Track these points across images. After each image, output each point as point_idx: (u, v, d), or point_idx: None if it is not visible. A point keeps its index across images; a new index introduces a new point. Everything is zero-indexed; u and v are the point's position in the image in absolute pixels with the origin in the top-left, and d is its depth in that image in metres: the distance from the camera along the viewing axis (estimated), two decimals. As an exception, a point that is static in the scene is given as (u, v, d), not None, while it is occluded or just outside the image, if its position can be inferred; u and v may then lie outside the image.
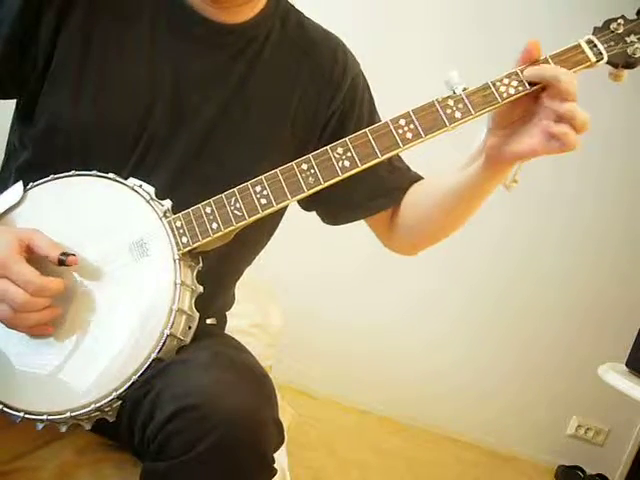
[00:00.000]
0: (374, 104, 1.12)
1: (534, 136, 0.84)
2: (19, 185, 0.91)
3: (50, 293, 0.82)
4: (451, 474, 2.59)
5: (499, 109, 0.87)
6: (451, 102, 0.86)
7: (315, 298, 2.66)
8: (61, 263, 0.83)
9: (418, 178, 1.12)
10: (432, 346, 2.76)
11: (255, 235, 1.04)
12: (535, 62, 0.86)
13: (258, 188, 0.87)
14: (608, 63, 0.87)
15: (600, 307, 2.75)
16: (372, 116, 1.10)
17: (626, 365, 2.08)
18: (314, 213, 1.15)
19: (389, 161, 1.05)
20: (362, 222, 1.13)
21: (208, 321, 1.08)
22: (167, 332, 0.83)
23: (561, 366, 2.78)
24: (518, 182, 0.93)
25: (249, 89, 0.99)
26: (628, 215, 2.71)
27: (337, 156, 0.87)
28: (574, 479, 2.75)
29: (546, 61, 0.86)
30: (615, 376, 2.00)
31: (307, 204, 1.12)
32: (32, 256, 0.84)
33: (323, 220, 1.15)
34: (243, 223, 0.88)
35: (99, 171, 0.91)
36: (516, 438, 2.84)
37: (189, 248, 0.87)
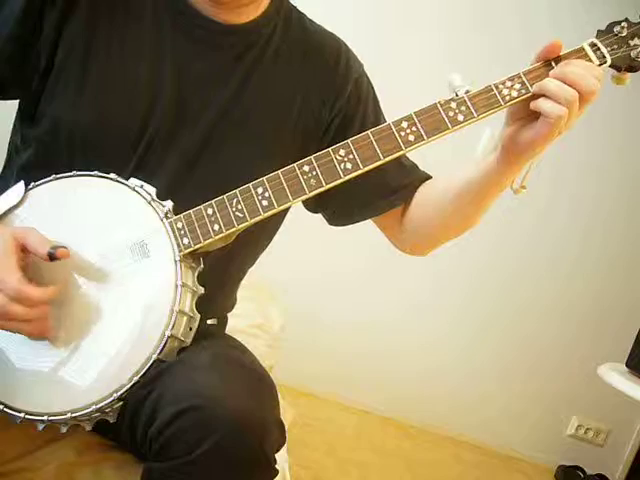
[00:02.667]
0: (379, 105, 1.11)
1: (538, 121, 0.85)
2: (20, 185, 0.91)
3: (30, 303, 0.80)
4: (451, 474, 2.59)
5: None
6: (454, 105, 0.86)
7: (315, 298, 2.66)
8: (51, 258, 0.81)
9: (427, 177, 1.11)
10: (432, 346, 2.77)
11: (257, 236, 1.04)
12: (543, 62, 0.86)
13: (260, 189, 0.87)
14: (611, 66, 0.87)
15: (600, 307, 2.75)
16: (377, 117, 1.09)
17: (626, 365, 2.08)
18: (317, 213, 1.15)
19: (396, 159, 1.05)
20: (363, 223, 1.12)
21: (209, 321, 1.07)
22: (168, 333, 0.83)
23: (561, 366, 2.78)
24: (526, 188, 0.93)
25: (251, 90, 0.99)
26: (628, 215, 2.72)
27: (339, 158, 0.87)
28: (574, 479, 2.75)
29: (549, 65, 0.86)
30: (615, 376, 2.01)
31: (313, 205, 1.11)
32: (29, 256, 0.83)
33: (329, 222, 1.15)
34: (245, 224, 0.87)
35: (100, 171, 0.90)
36: (516, 438, 2.85)
37: (190, 249, 0.87)
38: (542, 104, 0.83)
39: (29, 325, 0.82)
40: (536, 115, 0.85)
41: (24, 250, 0.83)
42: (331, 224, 1.15)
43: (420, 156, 1.08)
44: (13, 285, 0.78)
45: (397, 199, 1.09)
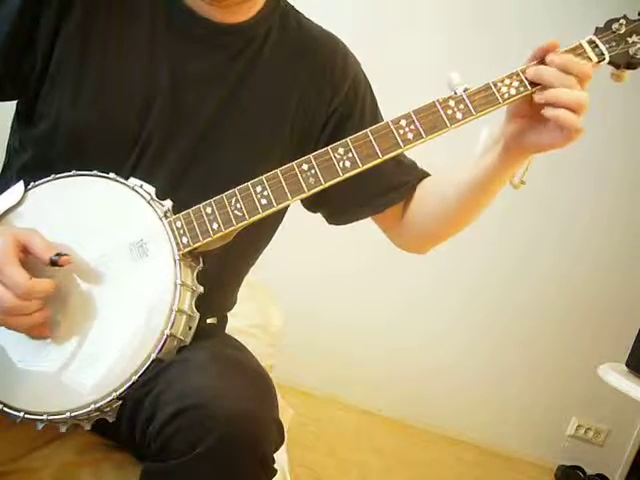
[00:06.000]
0: (377, 104, 1.11)
1: (549, 127, 0.85)
2: (20, 185, 0.91)
3: (39, 295, 0.81)
4: (451, 474, 2.59)
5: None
6: (452, 103, 0.86)
7: (315, 298, 2.65)
8: (53, 264, 0.82)
9: (426, 175, 1.11)
10: (432, 346, 2.76)
11: (256, 235, 1.04)
12: (541, 62, 0.86)
13: (259, 188, 0.87)
14: (610, 64, 0.87)
15: (600, 307, 2.74)
16: (375, 116, 1.09)
17: (626, 365, 2.07)
18: (315, 213, 1.15)
19: (394, 157, 1.04)
20: (362, 222, 1.12)
21: (208, 320, 1.07)
22: (167, 332, 0.83)
23: (561, 366, 2.78)
24: (525, 183, 0.93)
25: (248, 89, 0.99)
26: (628, 214, 2.71)
27: (338, 156, 0.87)
28: (574, 479, 2.75)
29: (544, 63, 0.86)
30: (615, 376, 2.00)
31: (312, 205, 1.11)
32: (29, 256, 0.83)
33: (328, 220, 1.15)
34: (244, 223, 0.87)
35: (99, 171, 0.90)
36: (516, 438, 2.84)
37: (189, 248, 0.87)
38: (557, 116, 0.82)
39: (31, 318, 0.82)
40: (539, 114, 0.85)
41: (24, 251, 0.83)
42: (330, 223, 1.15)
43: (419, 156, 1.08)
44: (21, 281, 0.79)
45: (396, 197, 1.09)
